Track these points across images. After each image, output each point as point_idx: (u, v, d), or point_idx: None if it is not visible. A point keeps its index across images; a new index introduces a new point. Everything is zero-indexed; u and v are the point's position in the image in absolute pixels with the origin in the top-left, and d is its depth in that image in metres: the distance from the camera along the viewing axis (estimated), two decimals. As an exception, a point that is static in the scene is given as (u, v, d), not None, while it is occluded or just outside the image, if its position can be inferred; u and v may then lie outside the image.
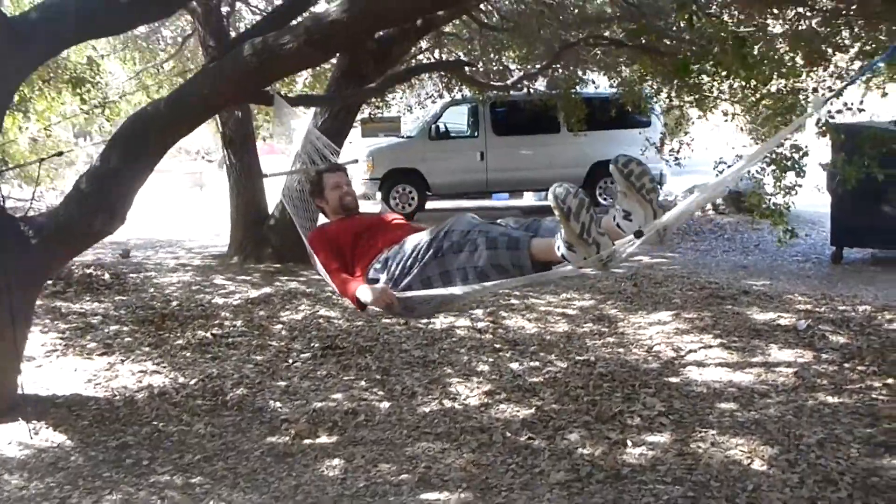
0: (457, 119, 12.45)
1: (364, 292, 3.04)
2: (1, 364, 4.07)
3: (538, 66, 9.33)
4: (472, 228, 2.95)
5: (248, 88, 3.97)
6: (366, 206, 12.28)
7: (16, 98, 6.58)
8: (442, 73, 10.44)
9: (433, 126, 12.14)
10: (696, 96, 8.01)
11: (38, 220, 4.10)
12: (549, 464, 3.55)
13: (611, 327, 5.67)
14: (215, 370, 4.77)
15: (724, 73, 6.44)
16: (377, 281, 3.13)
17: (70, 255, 4.32)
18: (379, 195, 11.78)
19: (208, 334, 5.49)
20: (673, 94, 8.94)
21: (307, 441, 3.87)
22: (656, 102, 9.94)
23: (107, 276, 7.22)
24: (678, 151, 9.26)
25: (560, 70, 9.62)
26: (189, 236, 11.12)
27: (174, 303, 6.43)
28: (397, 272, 3.07)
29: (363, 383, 4.62)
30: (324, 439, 3.89)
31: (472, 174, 12.07)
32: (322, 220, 3.81)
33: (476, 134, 12.26)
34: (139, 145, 4.01)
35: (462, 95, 11.57)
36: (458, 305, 3.68)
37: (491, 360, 4.99)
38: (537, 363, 4.91)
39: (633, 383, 4.45)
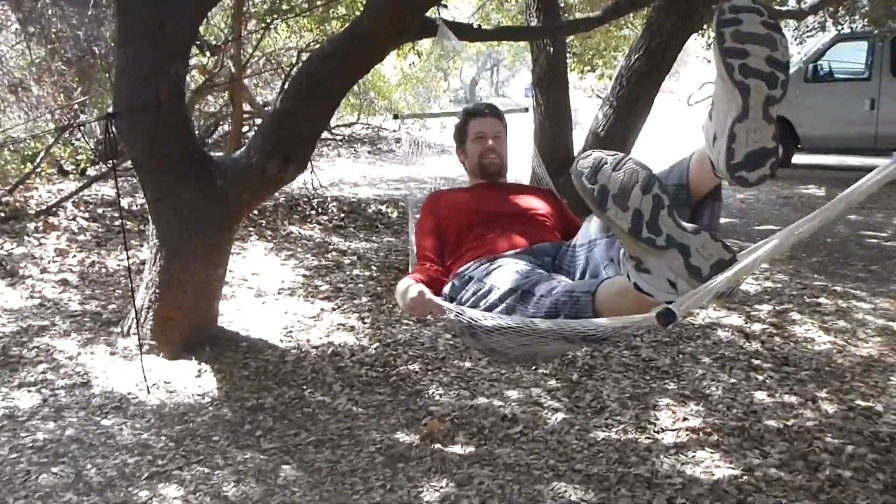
0: (844, 57, 10.11)
1: (400, 290, 2.29)
2: (193, 302, 4.11)
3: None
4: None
5: (404, 17, 3.32)
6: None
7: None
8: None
9: (812, 65, 10.02)
10: None
11: (225, 162, 3.99)
12: (707, 564, 2.46)
13: (947, 362, 3.96)
14: (408, 336, 4.34)
15: None
16: (452, 300, 2.33)
17: (253, 200, 4.16)
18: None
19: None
20: None
21: (436, 445, 3.24)
22: None
23: (395, 214, 7.21)
24: None
25: None
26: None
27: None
28: (468, 303, 2.26)
29: (553, 382, 3.80)
30: (455, 448, 3.23)
31: (857, 126, 9.76)
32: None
33: (868, 76, 9.84)
34: (314, 87, 3.63)
35: (851, 28, 9.31)
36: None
37: (733, 381, 3.78)
38: (794, 398, 3.58)
39: (920, 463, 2.97)
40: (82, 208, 6.70)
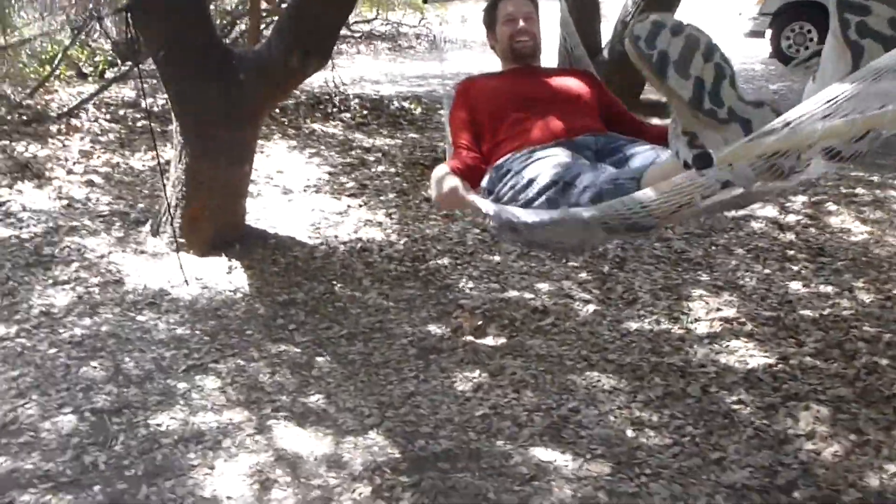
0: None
1: (435, 177, 2.23)
2: (220, 200, 4.08)
3: None
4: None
5: None
6: (750, 46, 10.54)
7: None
8: None
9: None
10: None
11: (247, 56, 3.89)
12: (741, 450, 2.48)
13: None
14: (436, 231, 4.30)
15: None
16: (490, 194, 2.26)
17: (276, 94, 4.06)
18: (769, 33, 9.82)
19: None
20: None
21: (467, 338, 3.26)
22: None
23: (418, 110, 7.06)
24: None
25: None
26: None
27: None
28: (506, 196, 2.18)
29: (584, 275, 3.77)
30: (487, 340, 3.24)
31: (898, 11, 9.28)
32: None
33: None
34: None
35: None
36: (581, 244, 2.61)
37: (767, 272, 3.73)
38: (830, 288, 3.54)
39: (957, 350, 2.94)
40: (103, 110, 6.63)
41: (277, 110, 6.51)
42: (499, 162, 2.29)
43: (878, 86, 1.20)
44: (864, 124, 1.21)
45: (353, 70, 9.60)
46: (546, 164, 2.12)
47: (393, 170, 5.40)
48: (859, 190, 4.79)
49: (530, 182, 2.09)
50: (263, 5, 7.88)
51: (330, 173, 5.33)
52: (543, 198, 2.02)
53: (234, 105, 3.82)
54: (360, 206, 4.73)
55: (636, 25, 1.51)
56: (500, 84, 2.61)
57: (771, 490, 2.29)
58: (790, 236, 4.15)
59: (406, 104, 7.25)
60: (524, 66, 2.65)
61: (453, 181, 2.19)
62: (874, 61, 1.26)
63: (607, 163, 2.18)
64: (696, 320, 3.32)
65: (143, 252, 4.00)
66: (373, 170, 5.41)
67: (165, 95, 4.11)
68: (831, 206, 4.53)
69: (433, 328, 3.34)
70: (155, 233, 4.13)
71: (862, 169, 5.18)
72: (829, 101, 1.24)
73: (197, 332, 3.30)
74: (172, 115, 4.02)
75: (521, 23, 2.63)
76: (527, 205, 2.04)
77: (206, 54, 3.74)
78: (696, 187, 1.52)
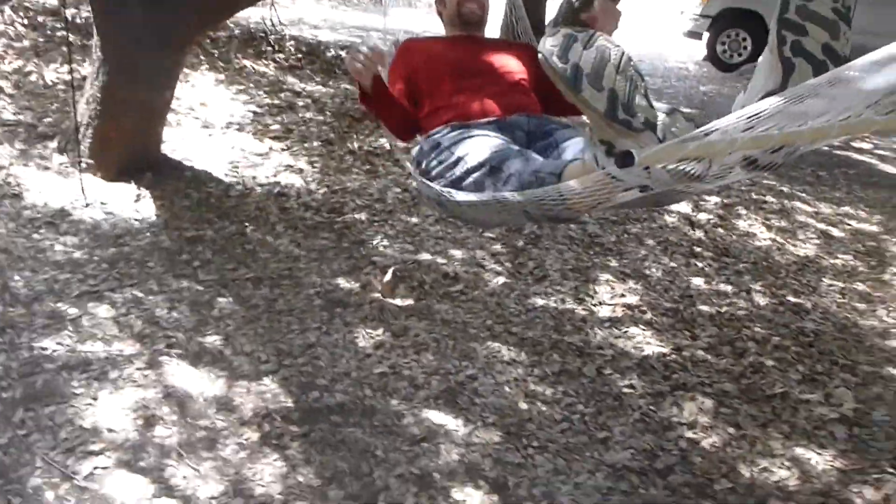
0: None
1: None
2: (135, 123, 3.92)
3: None
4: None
5: None
6: (688, 46, 10.78)
7: None
8: None
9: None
10: None
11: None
12: (626, 431, 2.56)
13: (877, 268, 4.08)
14: (357, 185, 4.25)
15: None
16: (419, 165, 2.24)
17: (207, 23, 3.92)
18: (706, 36, 10.03)
19: (389, 145, 4.95)
20: None
21: (374, 295, 3.24)
22: None
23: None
24: None
25: None
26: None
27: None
28: (434, 171, 2.17)
29: (498, 247, 3.80)
30: (396, 301, 3.23)
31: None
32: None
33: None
34: None
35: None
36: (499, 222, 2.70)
37: (673, 265, 3.84)
38: (729, 288, 3.67)
39: (836, 360, 3.10)
40: (21, 14, 6.24)
41: (208, 41, 6.27)
42: (430, 133, 2.27)
43: (798, 107, 1.23)
44: (782, 139, 1.24)
45: (293, 11, 9.33)
46: (476, 144, 2.11)
47: (321, 118, 5.29)
48: (769, 198, 4.97)
49: (459, 160, 2.09)
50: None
51: (255, 113, 5.17)
52: (470, 179, 2.02)
53: (161, 28, 3.65)
54: (283, 150, 4.62)
55: (548, 41, 1.51)
56: (442, 50, 2.57)
57: (649, 472, 2.37)
58: (699, 234, 4.27)
59: (343, 53, 7.09)
60: (468, 34, 2.63)
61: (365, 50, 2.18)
62: (799, 85, 1.30)
63: (538, 145, 2.19)
64: (600, 303, 3.39)
65: (47, 168, 3.81)
66: (300, 115, 5.29)
67: (90, 7, 3.89)
68: (741, 210, 4.69)
69: (342, 282, 3.31)
70: (62, 150, 3.94)
71: (774, 178, 5.37)
72: (750, 117, 1.27)
73: (95, 257, 3.18)
74: (94, 29, 3.81)
75: None
76: (453, 184, 2.03)
77: (136, -31, 3.56)
78: (615, 187, 1.54)
